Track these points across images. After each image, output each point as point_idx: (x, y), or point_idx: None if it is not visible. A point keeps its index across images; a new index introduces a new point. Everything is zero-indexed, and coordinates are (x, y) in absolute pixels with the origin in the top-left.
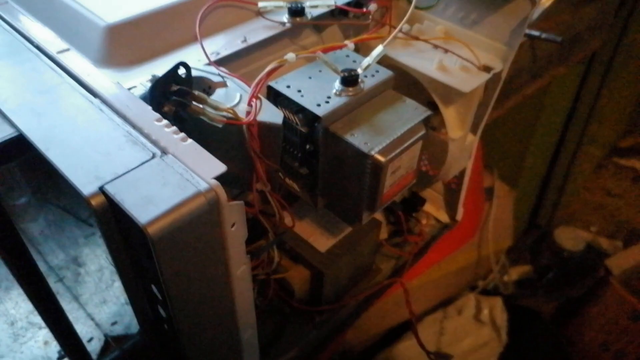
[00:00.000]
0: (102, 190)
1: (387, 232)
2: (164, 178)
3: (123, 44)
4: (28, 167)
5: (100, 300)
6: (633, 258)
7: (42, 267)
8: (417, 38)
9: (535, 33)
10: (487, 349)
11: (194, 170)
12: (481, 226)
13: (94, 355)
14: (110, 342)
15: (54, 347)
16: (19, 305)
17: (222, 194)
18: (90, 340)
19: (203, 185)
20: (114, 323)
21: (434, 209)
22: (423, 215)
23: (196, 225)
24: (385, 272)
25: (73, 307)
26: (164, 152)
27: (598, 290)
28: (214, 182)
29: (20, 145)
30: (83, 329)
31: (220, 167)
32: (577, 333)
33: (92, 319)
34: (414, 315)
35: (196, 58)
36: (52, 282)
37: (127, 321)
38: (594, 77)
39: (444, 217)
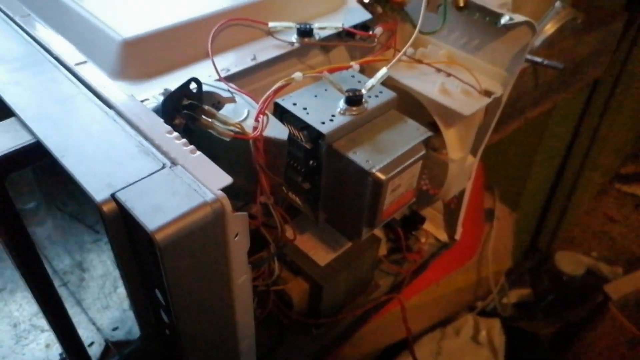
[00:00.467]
0: (113, 197)
1: (386, 249)
2: (172, 188)
3: (138, 58)
4: (41, 173)
5: (102, 306)
6: (632, 284)
7: (47, 271)
8: (420, 61)
9: (538, 59)
10: None
11: (202, 181)
12: (481, 247)
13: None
14: (111, 347)
15: (56, 350)
16: (23, 307)
17: (228, 204)
18: (91, 344)
19: (209, 196)
20: (115, 328)
21: (433, 227)
22: (422, 233)
23: (201, 233)
24: (383, 288)
25: (75, 311)
26: (174, 163)
27: (596, 316)
28: (220, 193)
29: (37, 151)
30: (84, 333)
31: (226, 179)
32: (575, 358)
33: (94, 324)
34: (410, 332)
35: (207, 74)
36: (56, 286)
37: (128, 327)
38: (596, 104)
39: (443, 236)
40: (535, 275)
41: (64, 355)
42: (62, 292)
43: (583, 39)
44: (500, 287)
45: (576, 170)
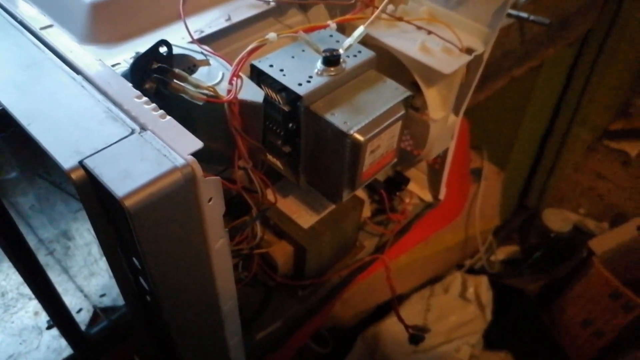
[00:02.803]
0: (81, 164)
1: (370, 210)
2: (142, 153)
3: (107, 20)
4: (15, 142)
5: (89, 273)
6: (616, 239)
7: (32, 240)
8: (401, 19)
9: (524, 15)
10: (472, 326)
11: (171, 146)
12: (468, 206)
13: (83, 326)
14: (99, 313)
15: (44, 317)
16: (10, 276)
17: (198, 169)
18: (79, 311)
19: (179, 161)
20: (102, 295)
21: (418, 188)
22: (407, 194)
23: (173, 199)
24: (368, 249)
25: (63, 279)
26: (143, 128)
27: (581, 271)
28: (190, 157)
29: (3, 120)
30: (72, 300)
31: (196, 144)
32: (560, 311)
33: (82, 291)
34: (395, 292)
35: (180, 36)
36: (42, 255)
37: (115, 293)
38: (585, 60)
39: (427, 196)
40: (523, 233)
41: (51, 322)
42: (49, 260)
43: None
44: (488, 245)
45: (565, 127)
